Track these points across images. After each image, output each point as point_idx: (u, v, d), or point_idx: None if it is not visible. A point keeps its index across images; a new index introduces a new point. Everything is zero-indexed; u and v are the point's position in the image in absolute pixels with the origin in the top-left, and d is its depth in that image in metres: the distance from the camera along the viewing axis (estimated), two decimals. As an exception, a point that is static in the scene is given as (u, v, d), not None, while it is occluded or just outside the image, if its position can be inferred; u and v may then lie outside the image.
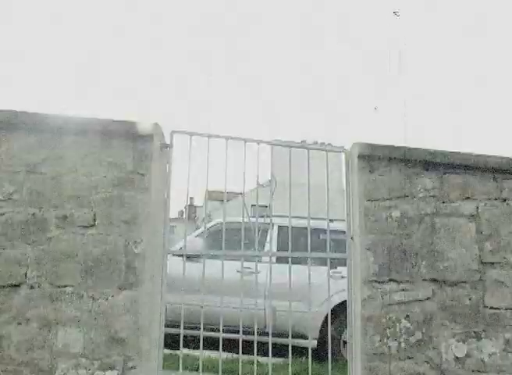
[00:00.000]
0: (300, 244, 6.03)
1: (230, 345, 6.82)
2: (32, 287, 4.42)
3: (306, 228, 5.13)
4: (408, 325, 4.73)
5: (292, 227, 5.09)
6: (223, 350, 5.11)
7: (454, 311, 4.79)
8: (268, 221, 5.26)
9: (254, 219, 5.20)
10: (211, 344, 6.45)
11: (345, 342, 7.09)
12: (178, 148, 4.97)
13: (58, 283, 4.43)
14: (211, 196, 33.04)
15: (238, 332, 4.99)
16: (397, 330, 4.70)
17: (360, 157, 4.90)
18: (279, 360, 7.92)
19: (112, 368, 4.34)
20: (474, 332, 4.80)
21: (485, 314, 4.83)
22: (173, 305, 6.40)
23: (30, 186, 4.54)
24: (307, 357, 5.51)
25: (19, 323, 4.36)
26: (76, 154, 4.60)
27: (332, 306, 7.39)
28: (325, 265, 5.06)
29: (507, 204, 5.04)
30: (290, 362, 4.97)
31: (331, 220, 5.22)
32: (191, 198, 45.30)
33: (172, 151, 4.93)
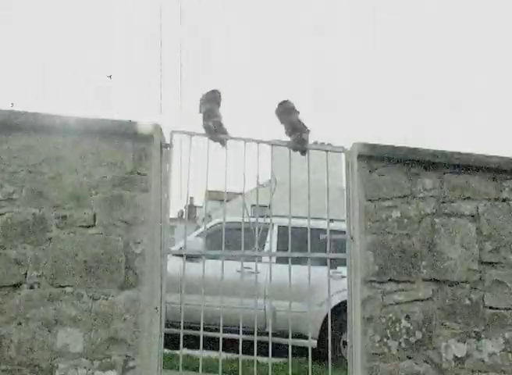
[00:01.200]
0: (300, 243, 6.01)
1: (230, 345, 6.83)
2: (32, 287, 4.42)
3: (306, 228, 5.13)
4: (408, 325, 4.73)
5: (292, 227, 5.09)
6: (223, 350, 5.12)
7: (454, 311, 4.80)
8: (268, 221, 5.25)
9: (254, 219, 5.20)
10: (211, 344, 6.46)
11: (345, 342, 7.10)
12: (178, 147, 4.98)
13: (58, 283, 4.43)
14: (211, 196, 33.05)
15: (238, 332, 5.00)
16: (397, 330, 4.71)
17: (360, 157, 4.90)
18: (279, 360, 7.92)
19: (111, 368, 4.34)
20: (474, 332, 4.80)
21: (485, 314, 4.84)
22: (173, 305, 6.40)
23: (30, 186, 4.53)
24: (307, 357, 5.51)
25: (19, 323, 4.36)
26: (76, 154, 4.60)
27: (332, 306, 7.40)
28: (325, 265, 5.06)
29: (507, 204, 5.04)
30: (290, 362, 4.97)
31: (331, 220, 5.22)
32: (191, 198, 45.33)
33: (172, 151, 4.93)
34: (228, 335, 6.60)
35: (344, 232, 5.10)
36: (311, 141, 5.10)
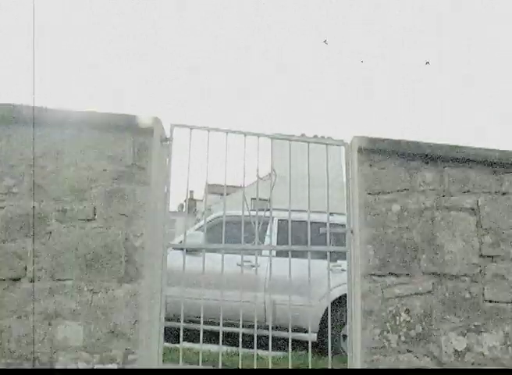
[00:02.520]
0: (300, 237, 6.01)
1: (230, 339, 6.83)
2: (32, 281, 4.42)
3: (306, 221, 5.13)
4: (408, 318, 4.73)
5: (292, 221, 5.09)
6: (223, 343, 5.12)
7: (454, 304, 4.80)
8: (268, 214, 5.25)
9: (254, 213, 5.20)
10: (212, 337, 6.47)
11: (345, 336, 7.11)
12: (178, 141, 4.98)
13: (58, 277, 4.43)
14: (211, 189, 33.03)
15: (238, 325, 5.01)
16: (397, 323, 4.71)
17: (361, 150, 4.90)
18: (279, 354, 7.93)
19: (112, 361, 4.35)
20: (474, 325, 4.80)
21: (484, 307, 4.84)
22: (173, 299, 6.41)
23: (30, 179, 4.53)
24: (307, 350, 5.51)
25: (19, 317, 4.37)
26: (76, 147, 4.60)
27: (332, 300, 7.41)
28: (325, 258, 5.06)
29: (507, 197, 5.04)
30: (290, 356, 4.98)
31: (331, 214, 5.22)
32: (191, 192, 45.29)
33: (172, 145, 4.93)
34: (228, 329, 6.61)
35: (344, 225, 5.11)
36: (311, 134, 5.11)
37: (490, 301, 4.85)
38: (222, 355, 5.23)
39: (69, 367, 4.32)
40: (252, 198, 5.50)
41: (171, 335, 6.10)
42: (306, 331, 8.01)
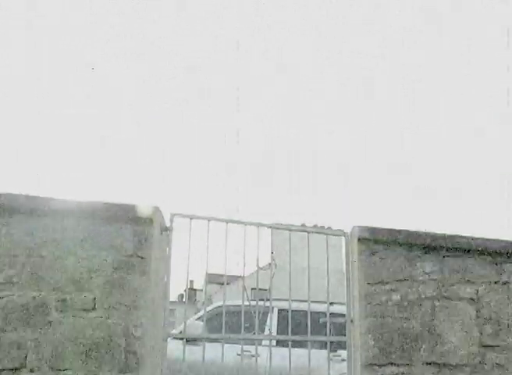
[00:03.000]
0: (301, 326, 5.99)
1: None
2: (32, 371, 4.39)
3: (306, 311, 5.12)
4: (409, 409, 4.69)
5: (292, 310, 5.09)
6: None
7: (455, 395, 4.76)
8: (268, 304, 5.24)
9: (254, 303, 5.20)
10: None
11: None
12: (178, 229, 5.00)
13: (58, 367, 4.40)
14: (211, 279, 32.90)
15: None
16: (398, 413, 4.66)
17: (361, 240, 4.93)
18: None
19: None
20: (475, 416, 4.76)
21: (485, 398, 4.80)
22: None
23: (30, 269, 4.54)
24: None
25: (19, 407, 4.33)
26: (76, 237, 4.62)
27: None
28: (325, 348, 5.04)
29: (507, 287, 5.04)
30: None
31: (331, 303, 5.22)
32: (191, 281, 45.11)
33: (172, 234, 4.95)
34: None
35: (344, 315, 5.10)
36: (310, 223, 5.14)
37: (491, 392, 4.82)
38: None
39: None
40: (252, 288, 5.50)
41: None
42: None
